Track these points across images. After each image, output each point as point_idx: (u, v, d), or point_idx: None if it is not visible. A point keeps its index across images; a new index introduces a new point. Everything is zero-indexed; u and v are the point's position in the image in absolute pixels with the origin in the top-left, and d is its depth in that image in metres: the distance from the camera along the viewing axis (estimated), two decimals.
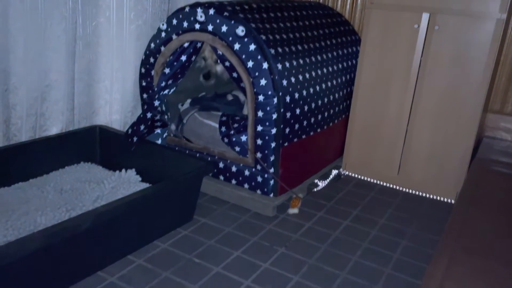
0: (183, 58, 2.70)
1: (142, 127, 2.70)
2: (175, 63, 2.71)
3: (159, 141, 2.87)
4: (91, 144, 2.84)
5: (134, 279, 1.93)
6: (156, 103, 2.79)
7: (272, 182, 2.54)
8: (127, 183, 2.56)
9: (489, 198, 2.36)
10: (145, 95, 2.84)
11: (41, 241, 1.66)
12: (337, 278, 2.01)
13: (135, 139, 2.66)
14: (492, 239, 1.94)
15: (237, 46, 2.42)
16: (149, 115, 2.74)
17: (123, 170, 2.66)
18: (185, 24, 2.58)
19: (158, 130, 2.84)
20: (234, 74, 2.51)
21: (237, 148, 2.61)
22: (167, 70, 2.72)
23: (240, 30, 2.39)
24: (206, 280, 1.96)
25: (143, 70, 2.82)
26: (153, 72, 2.77)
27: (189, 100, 3.03)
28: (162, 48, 2.70)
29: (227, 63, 2.51)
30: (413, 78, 2.82)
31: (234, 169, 2.65)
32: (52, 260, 1.75)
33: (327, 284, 1.96)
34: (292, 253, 2.19)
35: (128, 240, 2.10)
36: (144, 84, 2.83)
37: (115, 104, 3.00)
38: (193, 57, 2.74)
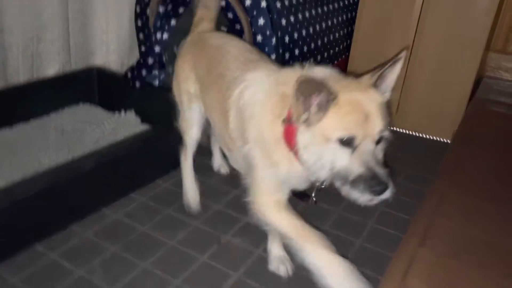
0: None
1: (144, 72, 2.66)
2: (170, 1, 2.62)
3: (157, 83, 2.85)
4: (89, 86, 2.83)
5: (138, 215, 2.02)
6: (157, 49, 2.73)
7: None
8: (127, 124, 2.58)
9: (485, 138, 2.39)
10: (141, 35, 2.78)
11: (48, 180, 1.72)
12: (333, 214, 2.10)
13: (137, 84, 2.64)
14: (485, 179, 1.99)
15: None
16: (150, 60, 2.69)
17: (123, 112, 2.68)
18: None
19: (156, 72, 2.82)
20: (230, 15, 2.45)
21: None
22: (162, 9, 2.64)
23: None
24: (207, 217, 2.04)
25: (138, 9, 2.74)
26: (148, 11, 2.69)
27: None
28: None
29: (222, 2, 2.44)
30: (415, 18, 2.76)
31: None
32: (58, 198, 1.81)
33: (323, 219, 2.05)
34: None
35: (130, 179, 2.16)
36: (139, 24, 2.76)
37: (111, 44, 2.95)
38: None
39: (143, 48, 2.77)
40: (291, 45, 2.44)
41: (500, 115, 2.70)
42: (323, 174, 1.28)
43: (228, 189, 2.25)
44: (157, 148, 2.23)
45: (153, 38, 2.68)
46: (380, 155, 1.27)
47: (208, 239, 1.89)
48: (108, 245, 1.82)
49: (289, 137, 1.32)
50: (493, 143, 2.33)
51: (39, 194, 1.70)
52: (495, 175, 2.01)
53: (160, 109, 2.57)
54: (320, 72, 1.35)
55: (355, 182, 1.20)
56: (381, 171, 1.20)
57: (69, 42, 2.77)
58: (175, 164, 2.41)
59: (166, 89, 2.77)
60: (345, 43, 3.08)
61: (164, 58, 2.85)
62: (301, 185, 1.50)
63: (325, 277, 1.28)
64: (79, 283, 1.63)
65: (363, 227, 2.03)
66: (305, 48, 2.57)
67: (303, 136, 1.26)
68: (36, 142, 2.32)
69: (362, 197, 1.21)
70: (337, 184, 1.26)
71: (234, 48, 1.75)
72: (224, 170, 2.39)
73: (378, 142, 1.26)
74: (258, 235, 1.93)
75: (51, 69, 2.71)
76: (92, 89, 2.82)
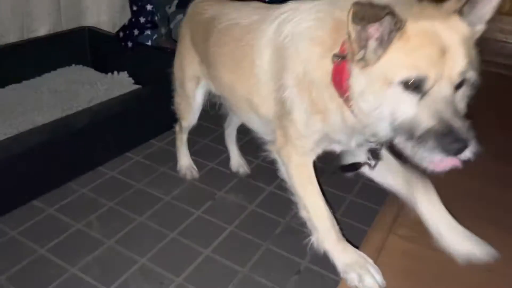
0: None
1: (135, 31, 2.63)
2: None
3: (149, 43, 2.82)
4: (81, 46, 2.79)
5: (134, 173, 2.05)
6: (149, 7, 2.69)
7: None
8: (120, 85, 2.57)
9: (477, 98, 2.41)
10: None
11: (42, 136, 1.73)
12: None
13: (129, 44, 2.61)
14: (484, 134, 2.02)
15: None
16: (142, 19, 2.66)
17: (115, 72, 2.66)
18: None
19: (148, 32, 2.79)
20: None
21: None
22: None
23: None
24: (201, 174, 2.07)
25: None
26: None
27: (175, 2, 2.92)
28: None
29: None
30: None
31: None
32: (53, 154, 1.83)
33: None
34: None
35: (125, 138, 2.18)
36: None
37: (102, 3, 2.90)
38: None
39: (134, 7, 2.73)
40: None
41: (494, 75, 2.71)
42: (381, 128, 1.02)
43: (222, 148, 2.28)
44: (151, 108, 2.24)
45: None
46: (460, 103, 1.01)
47: (202, 195, 1.93)
48: (105, 200, 1.85)
49: (340, 79, 1.07)
50: (486, 103, 2.34)
51: (35, 149, 1.72)
52: (481, 135, 2.03)
53: (153, 69, 2.56)
54: None
55: (423, 137, 0.95)
56: (459, 124, 0.94)
57: (60, 1, 2.71)
58: (169, 125, 2.42)
59: (159, 48, 2.76)
60: None
61: (156, 18, 2.81)
62: (348, 144, 1.25)
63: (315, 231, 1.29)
64: (77, 236, 1.67)
65: (354, 183, 2.07)
66: None
67: (357, 80, 1.01)
68: (30, 102, 2.32)
69: (431, 157, 0.95)
70: (399, 141, 1.01)
71: (236, 4, 1.56)
72: (243, 170, 2.07)
73: (458, 86, 0.99)
74: (251, 191, 1.98)
75: (42, 29, 2.67)
76: (84, 50, 2.79)
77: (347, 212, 1.86)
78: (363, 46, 0.97)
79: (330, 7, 1.14)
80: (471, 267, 1.20)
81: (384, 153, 1.31)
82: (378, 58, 0.97)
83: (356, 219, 1.80)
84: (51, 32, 2.70)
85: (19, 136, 1.71)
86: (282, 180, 2.04)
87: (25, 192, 1.80)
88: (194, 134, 2.40)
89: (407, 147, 0.99)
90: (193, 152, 2.22)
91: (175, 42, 2.81)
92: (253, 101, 1.40)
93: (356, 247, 1.30)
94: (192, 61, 1.73)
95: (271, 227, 1.77)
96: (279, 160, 1.36)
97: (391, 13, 0.91)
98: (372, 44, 0.97)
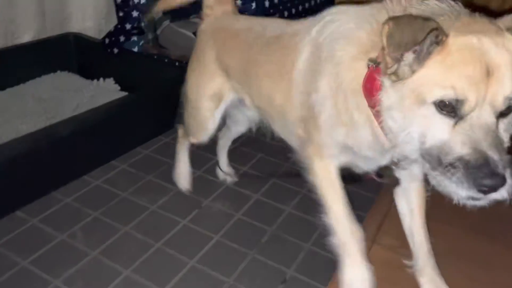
0: None
1: (121, 38, 2.61)
2: None
3: (136, 49, 2.81)
4: (66, 52, 2.77)
5: (119, 182, 2.03)
6: (135, 14, 2.68)
7: None
8: (106, 91, 2.55)
9: None
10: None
11: (25, 145, 1.71)
12: None
13: (115, 50, 2.59)
14: None
15: None
16: (128, 26, 2.64)
17: (101, 79, 2.64)
18: None
19: (135, 38, 2.78)
20: None
21: None
22: None
23: None
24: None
25: None
26: None
27: None
28: None
29: None
30: None
31: None
32: (37, 163, 1.81)
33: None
34: (269, 157, 2.28)
35: (110, 146, 2.16)
36: None
37: (88, 9, 2.88)
38: None
39: (121, 13, 2.71)
40: (271, 11, 2.42)
41: None
42: (409, 150, 0.92)
43: (209, 155, 2.27)
44: (137, 116, 2.23)
45: (131, 2, 2.62)
46: (503, 135, 0.86)
47: (188, 204, 1.92)
48: (89, 210, 1.84)
49: (371, 87, 0.97)
50: None
51: (18, 159, 1.70)
52: None
53: (140, 76, 2.55)
54: (436, 4, 0.94)
55: (452, 166, 0.83)
56: (497, 157, 0.80)
57: (44, 7, 2.69)
58: (155, 131, 2.41)
59: (145, 55, 2.75)
60: None
61: (142, 24, 2.80)
62: (374, 161, 1.15)
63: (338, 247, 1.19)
64: (60, 247, 1.65)
65: None
66: (286, 13, 2.56)
67: (388, 94, 0.91)
68: (13, 110, 2.29)
69: (459, 190, 0.83)
70: (426, 167, 0.90)
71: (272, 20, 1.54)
72: (231, 179, 2.06)
73: (503, 114, 0.85)
74: (238, 199, 1.97)
75: (26, 35, 2.64)
76: (69, 56, 2.76)
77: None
78: (398, 59, 0.86)
79: (378, 10, 1.03)
80: (453, 276, 1.22)
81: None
82: (413, 72, 0.86)
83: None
84: (36, 38, 2.67)
85: (2, 146, 1.68)
86: (270, 187, 2.08)
87: (7, 202, 1.78)
88: None
89: (433, 175, 0.88)
90: None
91: (162, 48, 2.81)
92: (286, 108, 1.32)
93: None
94: (212, 78, 1.60)
95: (258, 236, 1.76)
96: (304, 163, 1.28)
97: (434, 29, 0.80)
98: (408, 57, 0.86)
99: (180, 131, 1.89)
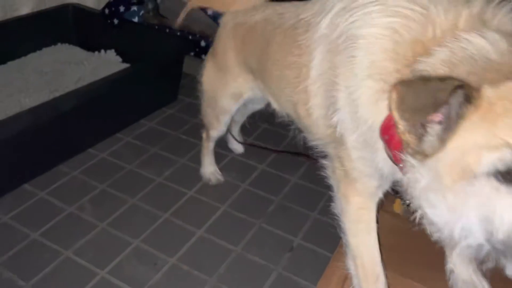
0: None
1: (121, 8, 2.56)
2: None
3: (136, 19, 2.76)
4: (66, 24, 2.72)
5: (124, 154, 2.03)
6: None
7: None
8: (108, 64, 2.52)
9: None
10: None
11: (30, 119, 1.70)
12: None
13: (115, 21, 2.55)
14: None
15: None
16: None
17: (102, 51, 2.61)
18: None
19: (134, 8, 2.72)
20: None
21: None
22: None
23: None
24: (193, 154, 2.06)
25: None
26: None
27: None
28: None
29: None
30: None
31: None
32: (42, 137, 1.81)
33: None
34: (275, 128, 2.27)
35: (114, 119, 2.15)
36: None
37: None
38: None
39: None
40: None
41: None
42: (472, 245, 0.69)
43: None
44: (140, 88, 2.21)
45: None
46: None
47: (194, 176, 1.93)
48: (96, 183, 1.85)
49: (390, 140, 0.77)
50: None
51: (23, 133, 1.69)
52: None
53: (141, 47, 2.51)
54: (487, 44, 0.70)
55: None
56: None
57: None
58: (158, 104, 2.40)
59: (146, 26, 2.70)
60: None
61: None
62: None
63: None
64: (69, 219, 1.67)
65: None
66: None
67: (416, 174, 0.71)
68: (16, 84, 2.27)
69: None
70: (498, 255, 0.68)
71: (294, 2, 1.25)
72: (241, 150, 2.07)
73: None
74: (244, 170, 1.98)
75: (25, 7, 2.59)
76: (68, 28, 2.72)
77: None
78: (421, 134, 0.66)
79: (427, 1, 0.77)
80: None
81: None
82: (444, 143, 0.65)
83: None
84: (34, 10, 2.62)
85: (8, 120, 1.67)
86: (275, 158, 2.08)
87: (15, 176, 1.79)
88: (185, 113, 2.39)
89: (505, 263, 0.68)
90: (183, 132, 2.21)
91: (162, 17, 2.76)
92: (309, 122, 1.11)
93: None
94: (236, 78, 1.48)
95: (264, 206, 1.78)
96: (335, 194, 1.06)
97: (459, 87, 0.61)
98: (433, 129, 0.66)
99: (204, 135, 1.84)
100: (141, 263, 1.51)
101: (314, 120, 1.05)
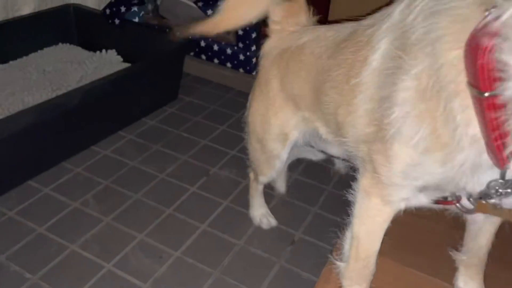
0: None
1: (122, 8, 2.59)
2: None
3: (136, 20, 2.79)
4: (67, 24, 2.75)
5: (127, 152, 2.06)
6: None
7: (254, 60, 2.57)
8: (109, 63, 2.55)
9: None
10: None
11: (33, 116, 1.73)
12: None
13: (116, 21, 2.58)
14: None
15: None
16: None
17: (104, 51, 2.64)
18: None
19: (135, 8, 2.75)
20: None
21: None
22: None
23: None
24: (194, 152, 2.10)
25: None
26: None
27: None
28: None
29: None
30: None
31: (215, 47, 2.65)
32: (45, 135, 1.84)
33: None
34: None
35: (117, 117, 2.18)
36: None
37: None
38: None
39: None
40: None
41: None
42: None
43: (214, 125, 2.30)
44: (141, 86, 2.24)
45: None
46: None
47: (196, 172, 1.96)
48: (100, 179, 1.87)
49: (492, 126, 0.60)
50: None
51: (27, 130, 1.72)
52: None
53: (141, 47, 2.55)
54: None
55: None
56: None
57: None
58: (160, 102, 2.44)
59: (146, 26, 2.73)
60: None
61: None
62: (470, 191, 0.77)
63: None
64: (74, 214, 1.70)
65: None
66: None
67: None
68: (18, 83, 2.30)
69: None
70: None
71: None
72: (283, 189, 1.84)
73: None
74: (244, 167, 2.01)
75: (27, 7, 2.62)
76: (70, 28, 2.74)
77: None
78: None
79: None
80: None
81: None
82: None
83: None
84: (36, 10, 2.65)
85: (12, 117, 1.70)
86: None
87: (20, 172, 1.81)
88: (185, 111, 2.42)
89: None
90: (184, 130, 2.25)
91: (162, 18, 2.79)
92: (346, 126, 0.98)
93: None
94: (278, 111, 1.30)
95: (265, 201, 1.81)
96: (356, 192, 0.96)
97: None
98: None
99: (251, 175, 1.67)
100: (147, 256, 1.54)
101: (354, 118, 0.94)
